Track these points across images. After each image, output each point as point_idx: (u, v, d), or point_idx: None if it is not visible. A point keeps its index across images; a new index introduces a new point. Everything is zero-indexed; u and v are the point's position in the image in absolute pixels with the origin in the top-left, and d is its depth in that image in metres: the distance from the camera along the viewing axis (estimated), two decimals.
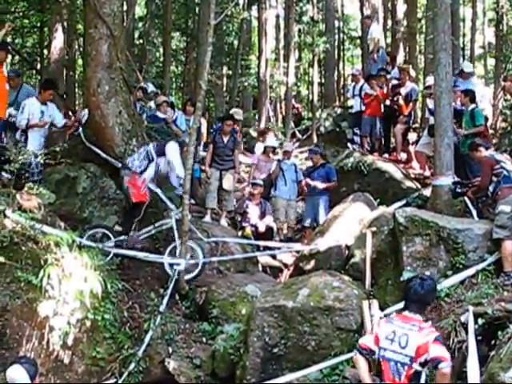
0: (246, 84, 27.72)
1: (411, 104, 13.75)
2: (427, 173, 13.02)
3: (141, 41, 25.66)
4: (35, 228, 7.96)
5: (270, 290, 8.57)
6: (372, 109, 14.05)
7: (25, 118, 9.91)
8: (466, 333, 6.74)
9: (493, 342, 6.57)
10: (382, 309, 7.71)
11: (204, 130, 15.33)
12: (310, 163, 13.50)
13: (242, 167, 15.17)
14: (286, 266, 11.90)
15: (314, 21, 25.59)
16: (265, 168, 13.19)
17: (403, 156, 14.29)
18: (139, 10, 29.57)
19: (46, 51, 18.84)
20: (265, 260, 11.71)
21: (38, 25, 19.87)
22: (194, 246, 9.60)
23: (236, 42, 27.78)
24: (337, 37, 28.43)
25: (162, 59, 25.69)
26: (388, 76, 14.59)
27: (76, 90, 24.09)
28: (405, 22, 20.58)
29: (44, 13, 17.29)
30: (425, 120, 15.19)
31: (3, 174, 9.11)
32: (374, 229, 9.18)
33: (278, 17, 29.76)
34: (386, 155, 14.09)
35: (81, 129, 10.87)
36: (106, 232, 9.56)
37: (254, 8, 28.12)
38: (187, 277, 9.43)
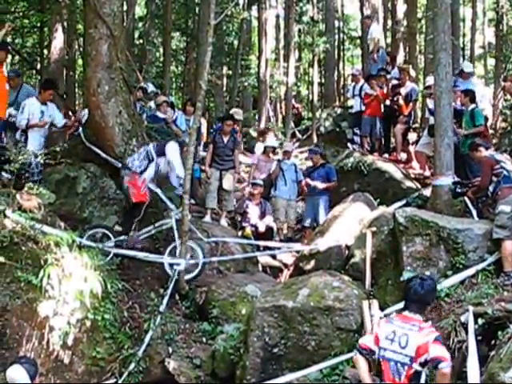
0: (245, 84, 27.72)
1: (411, 104, 13.75)
2: (427, 173, 13.02)
3: (141, 41, 25.67)
4: (35, 228, 7.96)
5: (270, 290, 8.57)
6: (372, 109, 14.05)
7: (25, 118, 9.91)
8: (466, 333, 6.74)
9: (493, 342, 6.57)
10: (381, 309, 7.71)
11: (204, 130, 15.32)
12: (310, 163, 13.50)
13: (241, 167, 15.17)
14: (286, 265, 11.90)
15: (314, 21, 25.59)
16: (265, 168, 13.19)
17: (403, 156, 14.29)
18: (139, 10, 29.58)
19: (46, 51, 18.84)
20: (265, 260, 11.71)
21: (38, 25, 19.87)
22: (194, 245, 9.60)
23: (236, 42, 27.79)
24: (337, 37, 28.43)
25: (161, 59, 25.69)
26: (388, 76, 14.59)
27: (76, 90, 24.09)
28: (405, 22, 20.58)
29: (44, 13, 17.29)
30: (425, 120, 15.19)
31: (3, 173, 9.11)
32: (374, 229, 9.18)
33: (277, 17, 29.76)
34: (386, 155, 14.09)
35: (81, 129, 10.87)
36: (106, 232, 9.56)
37: (254, 8, 28.12)
38: (187, 277, 9.43)
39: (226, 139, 12.07)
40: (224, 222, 12.02)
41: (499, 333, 6.55)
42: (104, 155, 10.47)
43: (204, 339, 8.83)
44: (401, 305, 6.14)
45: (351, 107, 16.02)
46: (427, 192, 11.11)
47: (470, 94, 11.10)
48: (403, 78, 13.88)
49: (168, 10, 20.86)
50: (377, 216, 9.80)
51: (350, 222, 10.49)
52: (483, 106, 12.02)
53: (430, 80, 12.12)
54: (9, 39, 18.91)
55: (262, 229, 11.84)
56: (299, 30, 29.31)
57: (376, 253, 8.95)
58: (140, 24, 27.41)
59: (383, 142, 14.51)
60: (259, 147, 15.37)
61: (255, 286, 9.52)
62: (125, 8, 18.11)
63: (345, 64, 32.00)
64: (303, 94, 33.44)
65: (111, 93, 10.48)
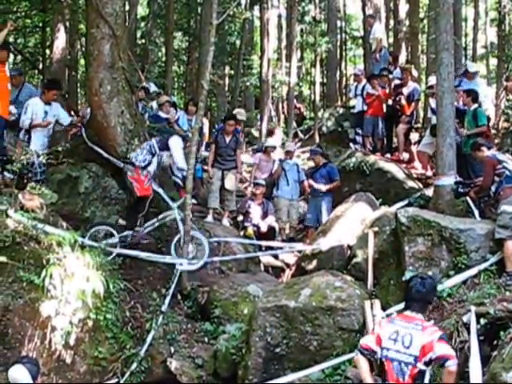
0: (247, 84, 27.72)
1: (413, 104, 13.74)
2: (429, 173, 13.01)
3: (143, 40, 25.69)
4: (37, 228, 7.97)
5: (271, 290, 8.57)
6: (374, 109, 14.05)
7: (28, 118, 9.91)
8: (468, 333, 6.73)
9: (495, 342, 6.56)
10: (383, 309, 7.71)
11: (206, 129, 15.34)
12: (312, 163, 13.49)
13: (243, 167, 15.17)
14: (287, 265, 11.90)
15: (316, 21, 25.55)
16: (266, 168, 13.19)
17: (405, 156, 14.28)
18: (141, 10, 29.57)
19: (48, 51, 18.85)
20: (267, 260, 11.70)
21: (40, 25, 19.84)
22: (198, 234, 9.76)
23: (238, 42, 27.73)
24: (339, 37, 28.37)
25: (164, 59, 25.72)
26: (390, 76, 14.59)
27: (78, 89, 24.09)
28: (407, 22, 20.55)
29: (46, 13, 17.27)
30: (427, 120, 15.18)
31: (5, 173, 9.13)
32: (376, 229, 9.16)
33: (280, 17, 29.77)
34: (388, 155, 14.09)
35: (83, 129, 10.88)
36: (110, 229, 9.59)
37: (256, 8, 28.04)
38: (196, 266, 9.52)
39: (228, 139, 12.07)
40: (226, 221, 12.02)
41: (501, 333, 6.54)
42: (106, 155, 10.47)
43: (206, 339, 8.84)
44: (403, 305, 6.12)
45: (353, 107, 16.03)
46: (429, 192, 11.11)
47: (472, 94, 11.09)
48: (405, 77, 13.87)
49: (170, 9, 20.88)
50: (379, 216, 9.79)
51: (352, 222, 10.49)
52: (486, 106, 12.01)
53: (433, 80, 12.10)
54: (11, 39, 18.98)
55: (264, 229, 11.83)
56: (301, 30, 29.27)
57: (378, 253, 8.95)
58: (142, 24, 27.43)
59: (385, 141, 14.50)
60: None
61: (257, 285, 9.53)
62: (127, 8, 18.13)
63: (347, 64, 31.94)
64: (305, 94, 33.43)
65: (113, 92, 10.48)
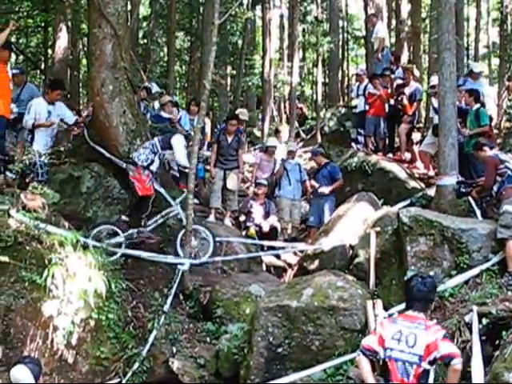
0: (250, 84, 27.75)
1: (415, 104, 13.76)
2: (431, 172, 13.01)
3: (145, 40, 25.75)
4: (39, 228, 7.96)
5: (274, 290, 8.56)
6: (376, 108, 14.06)
7: (31, 118, 9.90)
8: (470, 333, 6.73)
9: (497, 341, 6.57)
10: (386, 309, 7.69)
11: (208, 129, 15.33)
12: (314, 163, 13.49)
13: (245, 167, 15.17)
14: (290, 265, 11.89)
15: (318, 20, 25.53)
16: (267, 168, 13.19)
17: (407, 156, 14.28)
18: (143, 10, 29.58)
19: (50, 51, 18.87)
20: (269, 260, 11.70)
21: (42, 24, 19.87)
22: (202, 228, 9.86)
23: (240, 42, 27.76)
24: (341, 36, 28.43)
25: (166, 59, 25.73)
26: (392, 76, 14.59)
27: (80, 89, 24.14)
28: (409, 22, 20.54)
29: (48, 12, 17.30)
30: (429, 120, 15.18)
31: (7, 173, 9.13)
32: (378, 229, 9.17)
33: (282, 16, 29.76)
34: (390, 155, 14.09)
35: (85, 128, 10.89)
36: (114, 228, 9.60)
37: (258, 8, 28.06)
38: (200, 261, 9.60)
39: (230, 139, 12.06)
40: (228, 221, 12.02)
41: (503, 333, 6.55)
42: (108, 155, 10.47)
43: (208, 339, 8.83)
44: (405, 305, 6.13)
45: (355, 107, 16.02)
46: (431, 192, 11.10)
47: (475, 94, 11.09)
48: (407, 77, 13.88)
49: (172, 9, 20.86)
50: (381, 216, 9.78)
51: (354, 222, 10.48)
52: (488, 106, 12.02)
53: (435, 79, 12.09)
54: (13, 39, 18.99)
55: (266, 229, 11.84)
56: (303, 30, 29.24)
57: (380, 253, 8.94)
58: (144, 24, 27.48)
59: (387, 141, 14.51)
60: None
61: (259, 285, 9.52)
62: (129, 7, 18.06)
63: (349, 64, 32.00)
64: (307, 94, 33.43)
65: (115, 92, 10.48)
